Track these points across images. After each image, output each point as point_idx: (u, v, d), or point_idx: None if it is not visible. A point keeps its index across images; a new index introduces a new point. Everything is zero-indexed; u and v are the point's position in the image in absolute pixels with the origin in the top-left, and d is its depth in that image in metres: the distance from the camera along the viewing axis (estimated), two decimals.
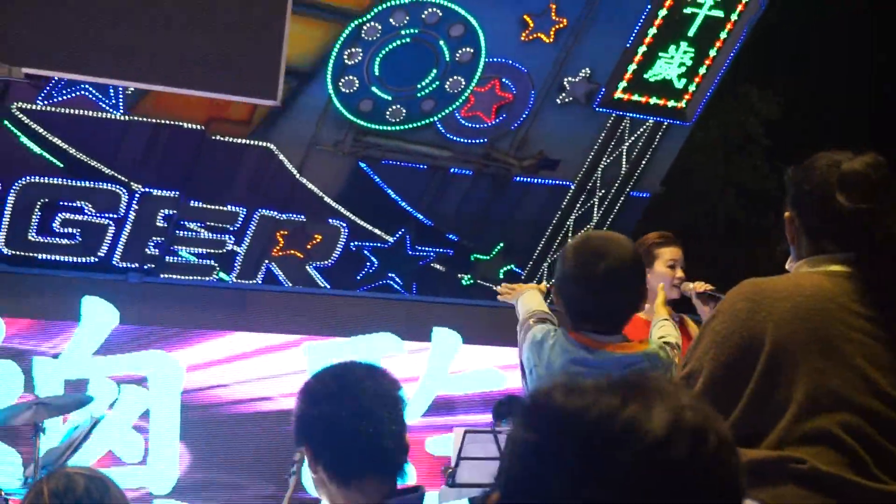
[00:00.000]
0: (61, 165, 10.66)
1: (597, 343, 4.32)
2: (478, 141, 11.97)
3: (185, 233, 11.26)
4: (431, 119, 11.63)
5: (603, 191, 12.58)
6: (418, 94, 11.45)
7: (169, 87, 10.15)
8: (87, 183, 10.78)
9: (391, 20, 11.02)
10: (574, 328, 4.39)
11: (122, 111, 10.65)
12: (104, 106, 10.58)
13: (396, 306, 11.81)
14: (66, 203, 10.77)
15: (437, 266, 12.27)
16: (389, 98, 11.37)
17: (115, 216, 10.94)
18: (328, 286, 11.80)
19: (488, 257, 12.43)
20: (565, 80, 11.86)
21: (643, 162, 12.64)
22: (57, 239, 10.82)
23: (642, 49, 11.80)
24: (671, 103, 12.20)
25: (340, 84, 11.16)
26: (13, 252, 10.70)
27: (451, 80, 11.45)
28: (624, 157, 12.51)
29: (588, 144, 12.34)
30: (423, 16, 11.10)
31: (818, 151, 3.40)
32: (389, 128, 11.55)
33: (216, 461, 10.92)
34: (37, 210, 10.67)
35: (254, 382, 11.12)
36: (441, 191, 12.09)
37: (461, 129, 11.81)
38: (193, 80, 9.97)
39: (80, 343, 10.50)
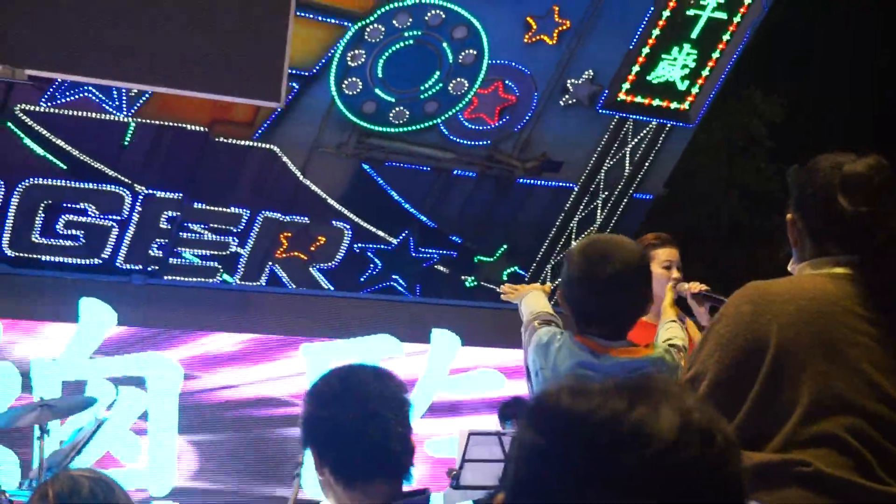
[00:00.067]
0: (65, 167, 10.66)
1: (602, 347, 4.32)
2: (481, 143, 11.97)
3: (189, 234, 11.27)
4: (435, 121, 11.63)
5: (606, 193, 12.58)
6: (421, 96, 11.45)
7: (172, 89, 10.15)
8: (90, 185, 10.79)
9: (394, 22, 11.02)
10: (580, 331, 4.38)
11: (125, 113, 10.66)
12: (107, 108, 10.58)
13: (395, 308, 11.81)
14: (69, 205, 10.78)
15: (441, 268, 12.27)
16: (393, 100, 11.37)
17: (119, 218, 10.95)
18: (332, 288, 11.80)
19: (492, 259, 12.43)
20: (568, 81, 11.86)
21: (646, 164, 12.63)
22: (60, 241, 10.83)
23: (645, 51, 11.80)
24: (674, 105, 12.20)
25: (344, 86, 11.16)
26: (17, 254, 10.70)
27: (454, 82, 11.45)
28: (627, 158, 12.51)
29: (591, 146, 12.34)
30: (426, 18, 11.10)
31: (822, 153, 3.40)
32: (393, 130, 11.55)
33: (216, 463, 10.92)
34: (40, 212, 10.68)
35: (254, 384, 11.12)
36: (444, 193, 12.09)
37: (464, 130, 11.82)
38: (196, 82, 9.97)
39: (78, 344, 10.50)
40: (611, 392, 1.58)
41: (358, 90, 11.22)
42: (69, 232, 10.83)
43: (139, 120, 10.71)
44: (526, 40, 11.50)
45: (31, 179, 10.60)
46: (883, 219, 3.26)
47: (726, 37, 11.93)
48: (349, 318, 11.47)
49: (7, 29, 9.26)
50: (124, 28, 9.62)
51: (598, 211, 12.61)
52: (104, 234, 10.96)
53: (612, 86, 11.93)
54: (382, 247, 11.98)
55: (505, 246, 12.44)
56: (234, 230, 11.38)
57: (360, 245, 11.88)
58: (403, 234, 11.99)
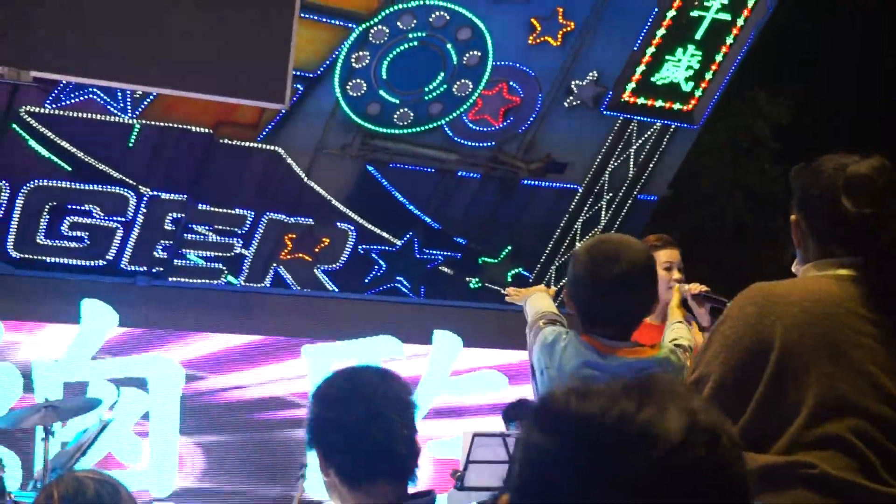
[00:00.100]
0: (69, 169, 10.67)
1: (608, 347, 4.32)
2: (485, 144, 11.97)
3: (194, 236, 11.28)
4: (439, 122, 11.63)
5: (610, 194, 12.57)
6: (426, 98, 11.46)
7: (177, 91, 10.16)
8: (95, 186, 10.80)
9: (398, 24, 11.03)
10: (585, 331, 4.38)
11: (130, 115, 10.67)
12: (112, 109, 10.59)
13: (397, 309, 11.81)
14: (74, 206, 10.79)
15: (445, 269, 12.28)
16: (397, 101, 11.38)
17: (124, 219, 10.95)
18: (336, 289, 11.81)
19: (496, 261, 12.43)
20: (573, 83, 11.86)
21: (651, 165, 12.63)
22: (65, 242, 10.84)
23: (650, 52, 11.80)
24: (679, 106, 12.20)
25: (348, 87, 11.17)
26: (22, 255, 10.71)
27: (458, 83, 11.46)
28: (631, 160, 12.51)
29: (595, 147, 12.34)
30: (431, 19, 11.11)
31: (827, 154, 3.39)
32: (397, 131, 11.55)
33: (220, 464, 10.92)
34: (45, 213, 10.69)
35: (258, 386, 11.13)
36: (449, 194, 12.10)
37: (469, 132, 11.82)
38: (201, 84, 9.98)
39: (80, 346, 10.50)
40: (618, 393, 1.58)
41: (362, 92, 11.22)
42: (74, 233, 10.84)
43: (144, 122, 10.72)
44: (530, 42, 11.50)
45: (36, 181, 10.61)
46: (886, 220, 3.26)
47: (731, 38, 11.93)
48: (352, 319, 11.47)
49: (12, 31, 9.27)
50: (129, 30, 9.63)
51: (603, 212, 12.61)
52: (109, 235, 10.96)
53: (616, 87, 11.93)
54: (387, 248, 11.99)
55: (509, 247, 12.44)
56: (239, 232, 11.39)
57: (364, 246, 11.88)
58: (408, 236, 11.99)
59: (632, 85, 11.93)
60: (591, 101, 11.97)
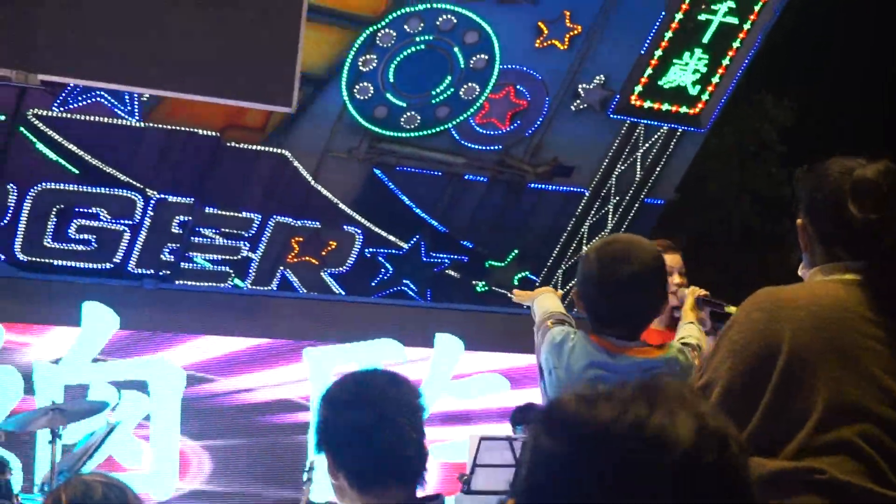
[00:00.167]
0: (77, 172, 10.69)
1: (617, 347, 4.32)
2: (492, 148, 11.97)
3: (201, 239, 11.28)
4: (446, 126, 11.64)
5: (617, 197, 12.57)
6: (433, 101, 11.46)
7: (184, 94, 10.17)
8: (102, 189, 10.81)
9: (406, 27, 11.03)
10: (595, 331, 4.38)
11: (137, 118, 10.68)
12: (119, 112, 10.60)
13: (401, 312, 11.80)
14: (81, 209, 10.80)
15: (452, 273, 12.28)
16: (404, 105, 11.38)
17: (131, 222, 10.96)
18: (343, 293, 11.81)
19: (503, 264, 12.43)
20: (580, 86, 11.86)
21: (658, 169, 12.63)
22: (72, 245, 10.85)
23: (657, 56, 11.80)
24: (686, 110, 12.19)
25: (355, 91, 11.17)
26: (29, 258, 10.72)
27: (465, 86, 11.46)
28: (638, 163, 12.51)
29: (602, 151, 12.34)
30: (438, 23, 11.11)
31: (833, 157, 3.39)
32: (404, 134, 11.56)
33: (225, 466, 10.92)
34: (52, 216, 10.70)
35: (263, 389, 11.13)
36: (456, 197, 12.10)
37: (476, 135, 11.82)
38: (208, 87, 9.98)
39: (81, 348, 10.50)
40: (628, 399, 1.59)
41: (369, 95, 11.23)
42: (81, 236, 10.85)
43: (151, 125, 10.73)
44: (537, 45, 11.50)
45: (44, 184, 10.62)
46: (892, 224, 3.25)
47: (738, 41, 11.92)
48: (357, 322, 11.46)
49: (20, 34, 9.28)
50: (137, 33, 9.64)
51: (610, 216, 12.60)
52: (116, 238, 10.97)
53: (623, 91, 11.93)
54: (394, 251, 11.99)
55: (516, 251, 12.44)
56: (246, 235, 11.40)
57: (371, 250, 11.88)
58: (414, 239, 12.00)
59: (639, 88, 11.93)
60: (598, 105, 11.96)
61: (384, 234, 11.89)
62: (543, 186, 12.32)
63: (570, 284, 11.92)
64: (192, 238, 11.23)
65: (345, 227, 11.73)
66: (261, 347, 11.20)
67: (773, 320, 3.18)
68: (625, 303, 4.31)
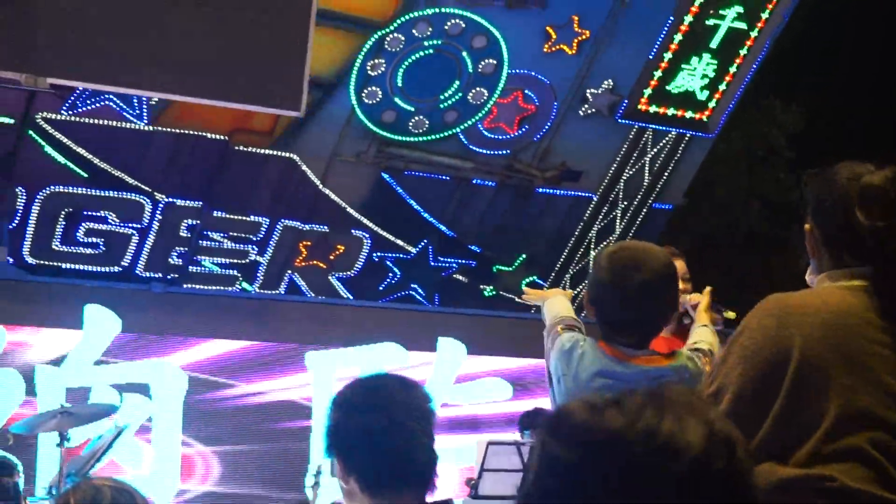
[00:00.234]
0: (85, 175, 10.70)
1: (625, 355, 4.31)
2: (500, 152, 11.98)
3: (209, 243, 11.29)
4: (454, 130, 11.64)
5: (625, 202, 12.57)
6: (441, 106, 11.47)
7: (193, 98, 10.18)
8: (110, 193, 10.82)
9: (414, 31, 11.04)
10: (605, 337, 4.37)
11: (145, 121, 10.69)
12: (128, 116, 10.62)
13: (406, 316, 11.79)
14: (89, 213, 10.81)
15: (460, 277, 12.28)
16: (412, 109, 11.39)
17: (139, 226, 10.98)
18: (351, 297, 11.82)
19: (511, 268, 12.43)
20: (588, 91, 11.86)
21: (666, 173, 12.63)
22: (81, 248, 10.86)
23: (665, 60, 11.80)
24: (694, 115, 12.19)
25: (363, 95, 11.18)
26: (37, 261, 10.74)
27: (473, 91, 11.47)
28: (646, 168, 12.50)
29: (611, 156, 12.34)
30: (446, 27, 11.12)
31: (842, 161, 3.38)
32: (412, 139, 11.56)
33: (231, 469, 10.92)
34: (61, 220, 10.72)
35: (264, 393, 11.12)
36: (464, 202, 12.10)
37: (484, 140, 11.83)
38: (217, 91, 9.99)
39: (83, 351, 10.50)
40: (638, 407, 1.59)
41: (378, 99, 11.24)
42: (89, 240, 10.87)
43: (159, 128, 10.74)
44: (545, 50, 11.50)
45: (52, 187, 10.64)
46: None
47: (746, 46, 11.91)
48: (361, 326, 11.44)
49: (29, 38, 9.29)
50: (145, 37, 9.65)
51: (618, 220, 12.60)
52: (124, 242, 10.99)
53: (631, 95, 11.93)
54: (401, 256, 11.99)
55: (524, 255, 12.44)
56: (254, 238, 11.41)
57: (379, 254, 11.89)
58: (423, 244, 12.00)
59: (647, 93, 11.93)
60: (606, 110, 11.96)
61: (392, 238, 11.90)
62: (551, 191, 12.32)
63: (579, 288, 11.93)
64: (201, 242, 11.24)
65: (353, 231, 11.73)
66: (268, 350, 11.20)
67: (783, 326, 3.18)
68: (635, 310, 4.30)
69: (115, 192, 10.83)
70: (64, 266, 10.81)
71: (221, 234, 11.30)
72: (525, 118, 11.84)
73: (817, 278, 3.39)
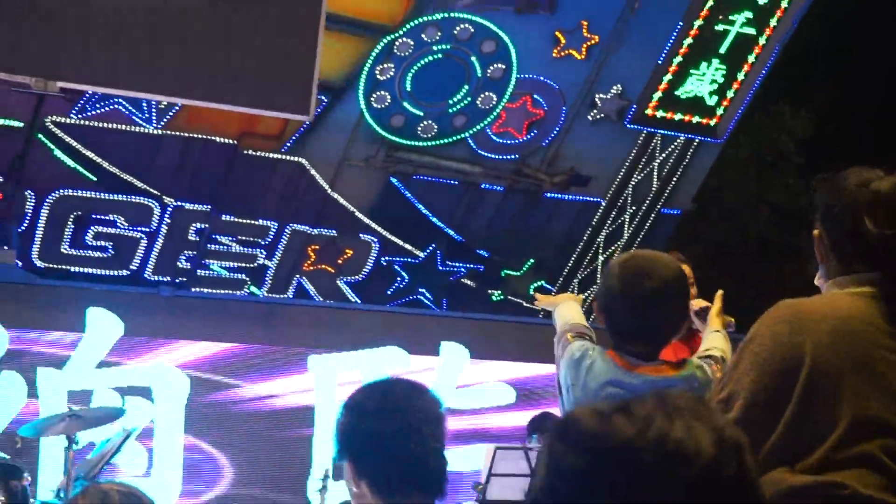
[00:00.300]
0: (94, 179, 10.72)
1: (633, 365, 4.29)
2: (509, 157, 11.98)
3: (217, 246, 11.30)
4: (463, 135, 11.64)
5: (634, 207, 12.56)
6: (450, 110, 11.47)
7: (202, 102, 10.19)
8: (119, 196, 10.84)
9: (423, 36, 11.04)
10: (615, 346, 4.36)
11: (155, 125, 10.71)
12: (137, 120, 10.63)
13: (413, 321, 11.78)
14: (98, 216, 10.83)
15: (468, 281, 12.28)
16: (421, 114, 11.40)
17: (148, 229, 10.99)
18: (359, 301, 11.82)
19: (519, 273, 12.43)
20: (597, 96, 11.86)
21: (674, 179, 12.62)
22: (89, 252, 10.88)
23: (674, 66, 11.79)
24: (702, 120, 12.18)
25: (372, 99, 11.19)
26: (46, 264, 10.75)
27: (482, 96, 11.47)
28: (655, 173, 12.50)
29: (619, 161, 12.33)
30: (455, 32, 11.12)
31: (851, 166, 3.38)
32: (421, 143, 11.57)
33: (237, 472, 10.91)
34: (70, 223, 10.73)
35: (276, 396, 11.12)
36: (472, 206, 12.10)
37: (492, 145, 11.83)
38: (226, 95, 10.00)
39: (85, 354, 10.49)
40: (649, 413, 1.59)
41: (386, 104, 11.25)
42: (98, 243, 10.88)
43: (168, 132, 10.76)
44: (554, 55, 11.51)
45: (61, 191, 10.65)
46: None
47: (755, 51, 11.91)
48: (367, 330, 11.42)
49: (39, 42, 9.31)
50: (154, 41, 9.67)
51: (626, 226, 12.59)
52: (133, 245, 11.00)
53: (640, 101, 11.93)
54: (410, 260, 11.99)
55: (532, 260, 12.44)
56: (262, 242, 11.42)
57: (387, 258, 11.89)
58: (431, 248, 12.00)
59: (656, 98, 11.92)
60: (614, 115, 11.96)
61: (400, 242, 11.90)
62: (560, 196, 12.32)
63: (587, 294, 11.92)
64: (209, 245, 11.26)
65: (361, 235, 11.74)
66: (276, 354, 11.19)
67: (794, 333, 3.17)
68: (646, 318, 4.29)
69: (124, 196, 10.85)
70: (73, 269, 10.83)
71: (230, 238, 11.31)
72: (534, 123, 11.84)
73: (826, 284, 3.39)
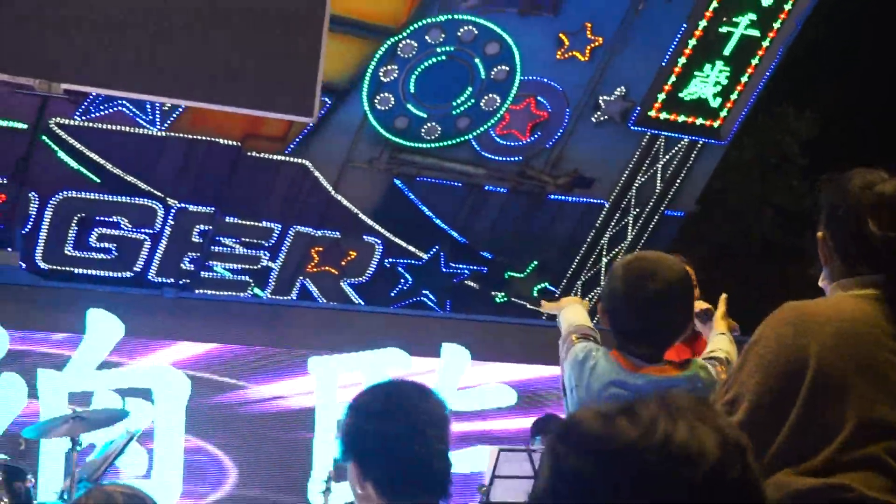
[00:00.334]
0: (98, 180, 10.73)
1: (636, 366, 4.30)
2: (513, 159, 11.97)
3: (221, 248, 11.31)
4: (467, 137, 11.64)
5: (637, 209, 12.56)
6: (454, 112, 11.47)
7: (205, 104, 10.19)
8: (123, 198, 10.85)
9: (427, 38, 11.05)
10: (618, 347, 4.36)
11: (158, 127, 10.71)
12: (141, 122, 10.64)
13: (416, 323, 11.76)
14: (102, 218, 10.83)
15: (471, 283, 12.28)
16: (425, 115, 11.40)
17: (151, 231, 11.00)
18: (362, 302, 11.82)
19: (522, 275, 12.42)
20: (600, 98, 11.86)
21: (678, 181, 12.61)
22: (93, 254, 10.88)
23: (678, 67, 11.79)
24: (706, 122, 12.18)
25: (376, 101, 11.19)
26: (50, 266, 10.76)
27: (486, 97, 11.47)
28: (659, 175, 12.49)
29: (623, 163, 12.33)
30: (459, 34, 11.12)
31: (856, 167, 3.37)
32: (425, 145, 11.57)
33: (239, 474, 10.90)
34: (73, 225, 10.74)
35: (280, 399, 11.11)
36: (476, 208, 12.10)
37: (496, 146, 11.83)
38: (230, 97, 10.00)
39: (85, 355, 10.49)
40: (653, 415, 1.58)
41: (390, 105, 11.25)
42: (102, 245, 10.89)
43: (172, 134, 10.76)
44: (558, 56, 11.51)
45: (65, 192, 10.66)
46: None
47: (759, 53, 11.90)
48: (368, 332, 11.40)
49: (43, 44, 9.32)
50: (158, 43, 9.67)
51: (630, 228, 12.59)
52: (136, 247, 11.01)
53: (644, 102, 11.93)
54: (413, 262, 12.00)
55: (535, 262, 12.43)
56: (266, 244, 11.42)
57: (390, 260, 11.89)
58: (434, 250, 12.00)
59: (660, 100, 11.92)
60: (618, 117, 11.96)
61: (404, 244, 11.91)
62: (563, 198, 12.32)
63: (590, 295, 11.92)
64: (213, 247, 11.26)
65: (365, 237, 11.74)
66: (279, 356, 11.18)
67: (799, 335, 3.17)
68: (649, 320, 4.29)
69: (128, 198, 10.86)
70: (76, 271, 10.83)
71: (233, 240, 11.32)
72: (537, 125, 11.84)
73: (830, 286, 3.39)
